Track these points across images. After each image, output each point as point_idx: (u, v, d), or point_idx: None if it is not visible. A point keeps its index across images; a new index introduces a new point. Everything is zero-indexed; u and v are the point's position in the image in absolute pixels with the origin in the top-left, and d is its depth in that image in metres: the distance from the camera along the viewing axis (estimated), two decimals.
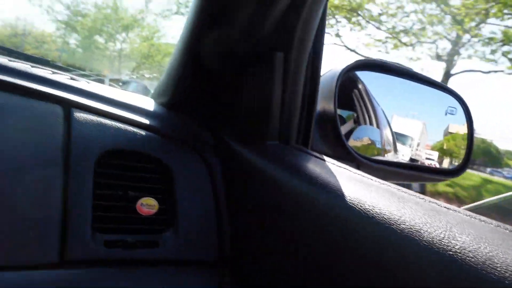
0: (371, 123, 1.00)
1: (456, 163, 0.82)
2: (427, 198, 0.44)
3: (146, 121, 0.60)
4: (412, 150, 0.84)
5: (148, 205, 0.49)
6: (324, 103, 0.76)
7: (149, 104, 0.68)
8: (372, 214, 0.40)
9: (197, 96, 0.68)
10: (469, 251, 0.33)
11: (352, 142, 0.92)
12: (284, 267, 0.48)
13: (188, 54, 0.64)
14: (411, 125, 0.87)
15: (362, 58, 0.77)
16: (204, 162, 0.61)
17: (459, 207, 0.46)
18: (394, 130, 1.00)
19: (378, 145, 1.00)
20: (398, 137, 0.99)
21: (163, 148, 0.58)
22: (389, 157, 1.00)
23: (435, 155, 0.81)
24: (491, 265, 0.31)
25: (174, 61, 0.67)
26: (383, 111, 1.02)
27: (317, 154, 0.60)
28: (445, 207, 0.41)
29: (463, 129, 0.79)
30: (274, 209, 0.51)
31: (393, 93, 0.95)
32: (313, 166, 0.54)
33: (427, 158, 0.82)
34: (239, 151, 0.62)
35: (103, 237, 0.46)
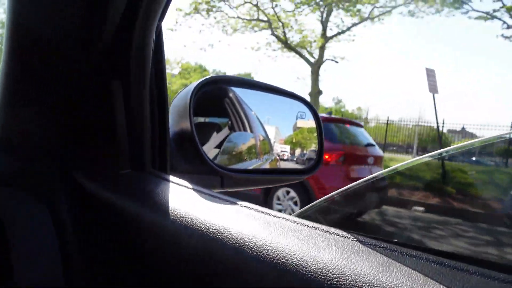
0: (244, 129, 1.04)
1: (306, 151, 0.93)
2: (265, 210, 0.47)
3: None
4: (274, 146, 0.93)
5: None
6: (181, 122, 0.76)
7: None
8: (202, 228, 0.42)
9: (35, 132, 0.61)
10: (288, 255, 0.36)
11: (225, 150, 0.94)
12: None
13: (12, 86, 0.58)
14: (267, 129, 0.95)
15: (215, 75, 0.80)
16: (46, 205, 0.56)
17: None
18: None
19: (253, 149, 1.05)
20: None
21: None
22: (265, 157, 1.05)
23: (287, 148, 0.91)
24: (290, 260, 0.35)
25: None
26: (256, 116, 1.07)
27: (170, 178, 0.60)
28: (276, 217, 0.45)
29: (308, 123, 0.89)
30: (121, 240, 0.50)
31: (251, 102, 1.01)
32: (159, 192, 0.54)
33: (281, 151, 0.91)
34: (88, 187, 0.58)
35: None
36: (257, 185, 0.83)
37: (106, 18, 0.51)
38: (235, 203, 0.50)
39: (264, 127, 1.08)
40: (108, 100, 0.57)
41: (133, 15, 0.52)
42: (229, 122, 1.04)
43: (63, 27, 0.53)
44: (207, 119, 1.03)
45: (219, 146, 0.96)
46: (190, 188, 0.56)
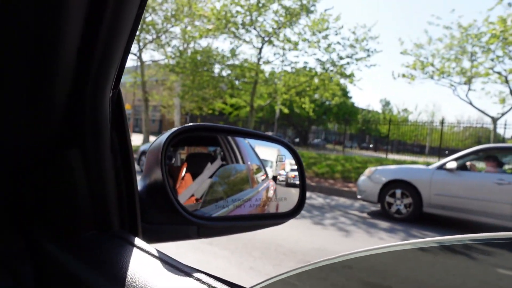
0: (236, 160, 1.03)
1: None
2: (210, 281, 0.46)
3: None
4: (273, 170, 0.91)
5: None
6: (154, 173, 0.75)
7: None
8: None
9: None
10: None
11: (213, 186, 0.93)
12: None
13: None
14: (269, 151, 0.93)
15: (191, 124, 0.79)
16: (10, 273, 0.56)
17: None
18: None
19: (245, 179, 1.03)
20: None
21: None
22: (258, 186, 1.03)
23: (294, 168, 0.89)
24: None
25: None
26: (250, 145, 1.05)
27: (136, 242, 0.59)
28: None
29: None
30: None
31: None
32: (118, 260, 0.53)
33: (291, 170, 0.89)
34: (51, 252, 0.59)
35: None
36: (235, 232, 0.82)
37: (55, 86, 0.51)
38: (193, 276, 0.48)
39: (258, 155, 1.06)
40: (67, 167, 0.58)
41: (83, 84, 0.52)
42: (221, 153, 1.03)
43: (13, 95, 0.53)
44: (203, 149, 1.03)
45: (211, 177, 0.95)
46: (154, 256, 0.55)
